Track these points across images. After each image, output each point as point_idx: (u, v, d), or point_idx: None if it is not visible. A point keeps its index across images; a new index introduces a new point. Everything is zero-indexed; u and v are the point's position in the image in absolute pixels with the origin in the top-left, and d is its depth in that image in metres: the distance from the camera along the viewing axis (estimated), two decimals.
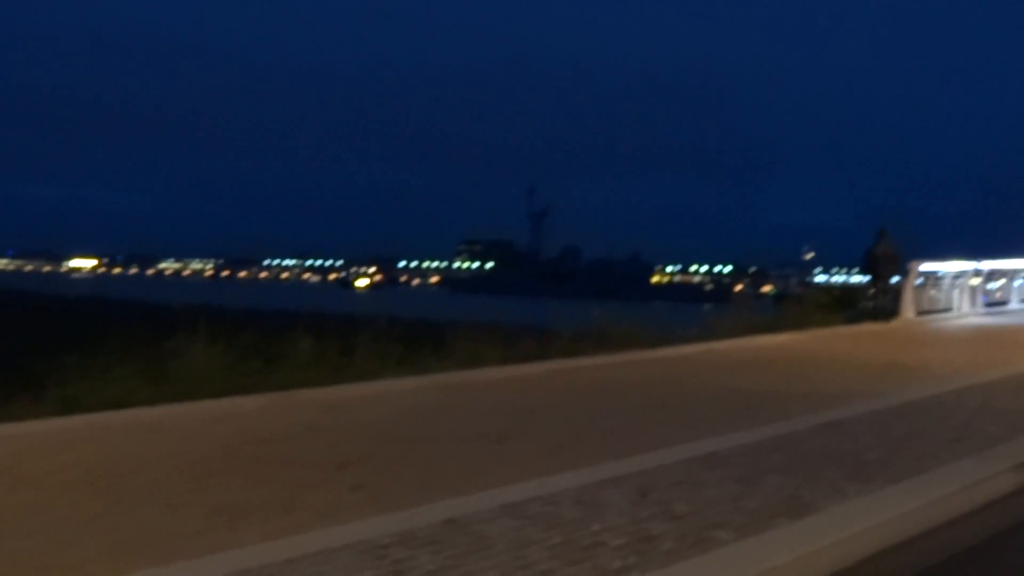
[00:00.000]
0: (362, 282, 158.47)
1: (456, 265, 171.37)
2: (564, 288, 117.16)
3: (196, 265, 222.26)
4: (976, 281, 22.10)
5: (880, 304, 19.17)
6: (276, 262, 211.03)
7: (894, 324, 18.85)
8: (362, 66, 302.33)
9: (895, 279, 19.56)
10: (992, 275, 22.97)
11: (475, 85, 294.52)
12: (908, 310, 19.57)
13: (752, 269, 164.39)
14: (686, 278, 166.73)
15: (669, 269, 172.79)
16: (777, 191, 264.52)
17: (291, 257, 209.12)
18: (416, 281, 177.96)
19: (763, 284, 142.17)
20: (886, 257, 18.90)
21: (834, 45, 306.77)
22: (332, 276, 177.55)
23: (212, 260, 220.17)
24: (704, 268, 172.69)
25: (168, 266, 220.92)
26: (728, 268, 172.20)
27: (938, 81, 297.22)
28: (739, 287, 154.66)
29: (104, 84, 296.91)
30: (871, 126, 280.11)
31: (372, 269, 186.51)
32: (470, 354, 12.06)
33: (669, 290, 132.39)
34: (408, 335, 13.56)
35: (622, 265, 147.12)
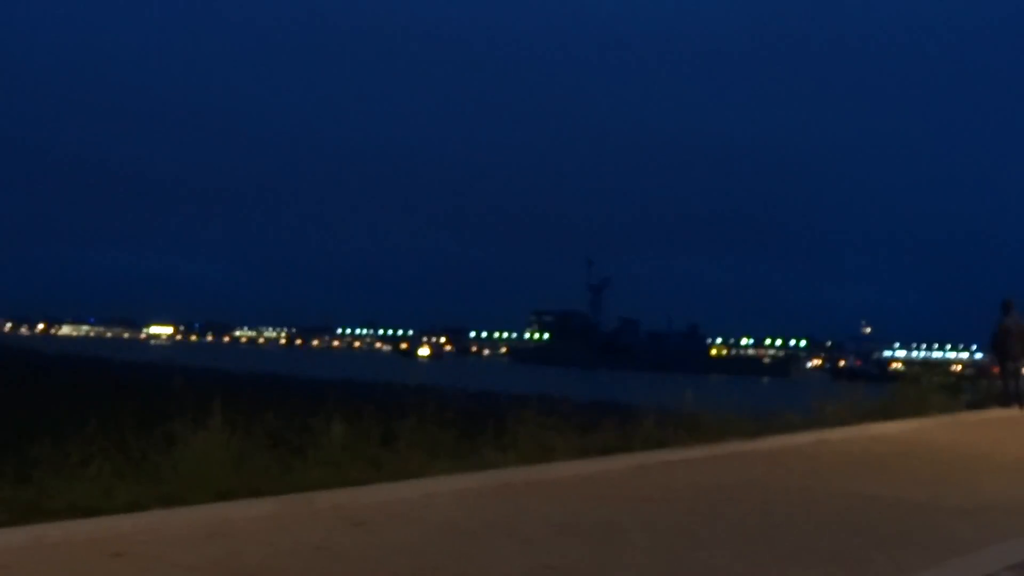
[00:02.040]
0: (423, 351, 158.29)
1: (527, 336, 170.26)
2: (622, 360, 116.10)
3: (270, 333, 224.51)
4: None
5: (1012, 388, 16.70)
6: (349, 331, 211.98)
7: None
8: (435, 142, 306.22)
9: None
10: None
11: (544, 158, 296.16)
12: None
13: (828, 343, 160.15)
14: (760, 352, 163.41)
15: (744, 343, 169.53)
16: (838, 266, 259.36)
17: (364, 326, 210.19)
18: (487, 352, 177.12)
19: (840, 358, 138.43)
20: (1018, 333, 16.48)
21: (899, 125, 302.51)
22: (403, 345, 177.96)
23: (286, 328, 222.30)
24: (778, 342, 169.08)
25: (243, 334, 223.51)
26: (803, 343, 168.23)
27: (1008, 162, 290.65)
28: (817, 362, 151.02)
29: (183, 157, 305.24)
30: (935, 204, 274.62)
31: (443, 339, 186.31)
32: (537, 443, 10.05)
33: (727, 363, 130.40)
34: (466, 413, 11.67)
35: (679, 338, 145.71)
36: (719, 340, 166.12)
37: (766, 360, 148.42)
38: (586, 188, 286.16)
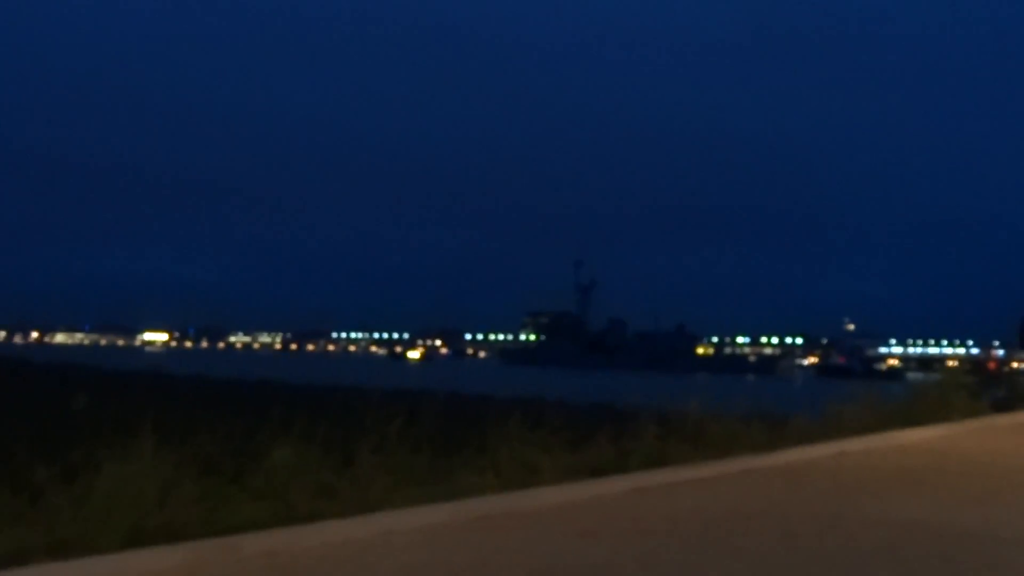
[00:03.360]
0: (414, 354, 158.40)
1: (522, 337, 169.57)
2: (611, 359, 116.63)
3: (265, 338, 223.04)
4: None
5: None
6: (344, 335, 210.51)
7: None
8: (431, 142, 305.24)
9: None
10: None
11: (537, 155, 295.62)
12: None
13: (824, 340, 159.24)
14: (755, 349, 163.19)
15: (740, 341, 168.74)
16: (830, 260, 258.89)
17: (359, 330, 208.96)
18: (482, 353, 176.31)
19: (835, 355, 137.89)
20: None
21: (894, 115, 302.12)
22: (397, 348, 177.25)
23: (281, 333, 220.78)
24: (775, 339, 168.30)
25: (238, 339, 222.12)
26: (799, 340, 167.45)
27: (1000, 155, 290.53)
28: (813, 359, 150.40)
29: (176, 159, 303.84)
30: (929, 197, 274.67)
31: (437, 342, 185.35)
32: (521, 463, 8.74)
33: (713, 361, 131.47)
34: (446, 421, 10.34)
35: (666, 337, 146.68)
36: (715, 339, 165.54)
37: (752, 358, 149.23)
38: (581, 184, 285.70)
